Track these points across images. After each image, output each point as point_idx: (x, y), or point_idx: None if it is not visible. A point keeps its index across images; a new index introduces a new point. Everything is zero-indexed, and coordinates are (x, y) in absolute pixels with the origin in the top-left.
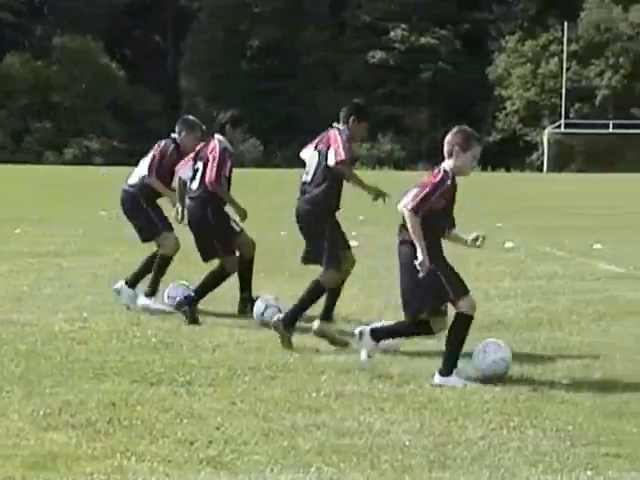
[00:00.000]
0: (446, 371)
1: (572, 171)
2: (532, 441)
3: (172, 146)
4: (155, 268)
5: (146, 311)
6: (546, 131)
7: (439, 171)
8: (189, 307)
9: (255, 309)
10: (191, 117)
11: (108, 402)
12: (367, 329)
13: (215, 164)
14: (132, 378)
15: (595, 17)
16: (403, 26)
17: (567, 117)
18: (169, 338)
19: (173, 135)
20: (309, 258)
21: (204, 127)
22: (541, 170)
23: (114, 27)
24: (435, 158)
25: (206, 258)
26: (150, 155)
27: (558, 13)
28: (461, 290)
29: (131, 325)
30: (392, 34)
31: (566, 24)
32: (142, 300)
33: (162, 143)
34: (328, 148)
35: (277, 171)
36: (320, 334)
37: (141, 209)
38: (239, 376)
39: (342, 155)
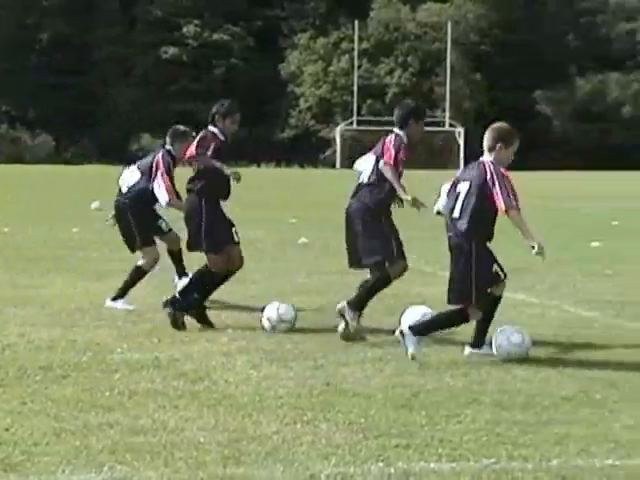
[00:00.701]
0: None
1: None
2: (325, 434)
3: (170, 160)
4: (130, 277)
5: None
6: (338, 128)
7: (485, 165)
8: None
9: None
10: (181, 127)
11: None
12: (405, 328)
13: (195, 144)
14: None
15: (384, 16)
16: (196, 22)
17: (359, 114)
18: None
19: (167, 147)
20: (354, 261)
21: (193, 133)
22: (334, 166)
23: None
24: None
25: (191, 249)
26: (155, 172)
27: (348, 12)
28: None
29: None
30: (184, 30)
31: (357, 23)
32: (108, 303)
33: (160, 160)
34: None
35: (69, 168)
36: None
37: (128, 222)
38: (30, 375)
39: (389, 157)
